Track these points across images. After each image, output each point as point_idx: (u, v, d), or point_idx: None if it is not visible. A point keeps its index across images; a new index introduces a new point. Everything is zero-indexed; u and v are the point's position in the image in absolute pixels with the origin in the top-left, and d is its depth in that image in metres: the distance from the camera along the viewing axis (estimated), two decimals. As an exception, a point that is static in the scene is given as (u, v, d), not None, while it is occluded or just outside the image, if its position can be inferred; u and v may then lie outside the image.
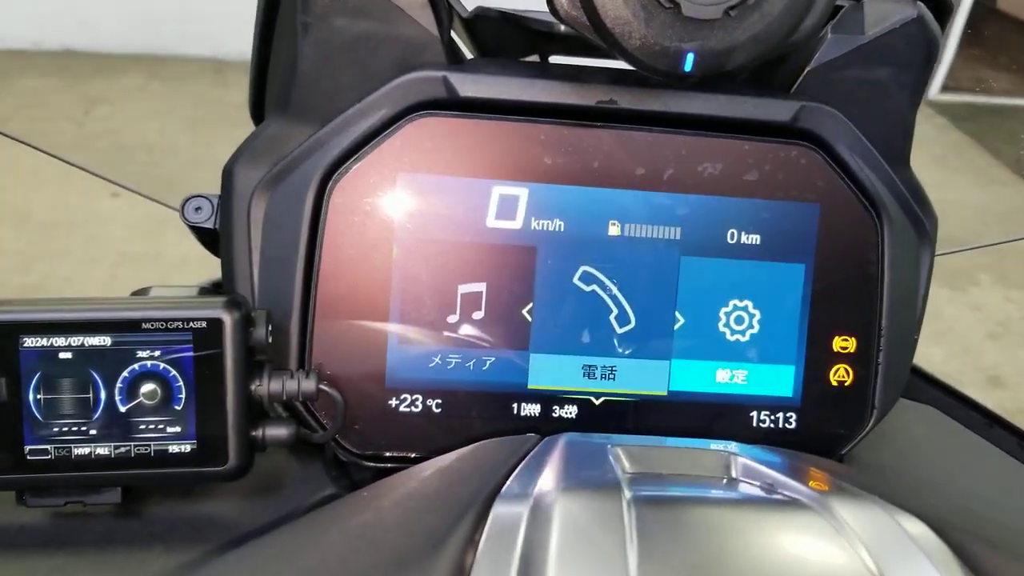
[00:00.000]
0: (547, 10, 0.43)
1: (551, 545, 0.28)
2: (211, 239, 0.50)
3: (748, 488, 0.36)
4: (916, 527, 0.32)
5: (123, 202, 2.49)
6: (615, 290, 0.48)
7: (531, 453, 0.38)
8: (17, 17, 3.64)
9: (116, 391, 0.41)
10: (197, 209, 0.48)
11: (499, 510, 0.31)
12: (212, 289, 0.59)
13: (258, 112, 0.58)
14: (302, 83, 0.46)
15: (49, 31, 3.64)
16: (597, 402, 0.48)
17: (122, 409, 0.41)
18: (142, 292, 0.51)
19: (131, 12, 3.60)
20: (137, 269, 2.23)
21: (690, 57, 0.39)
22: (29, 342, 0.40)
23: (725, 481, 0.37)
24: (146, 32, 3.63)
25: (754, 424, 0.49)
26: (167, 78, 3.49)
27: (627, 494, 0.31)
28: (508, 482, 0.34)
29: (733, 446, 0.39)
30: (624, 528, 0.29)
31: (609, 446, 0.38)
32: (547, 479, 0.34)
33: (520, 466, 0.36)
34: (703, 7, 0.38)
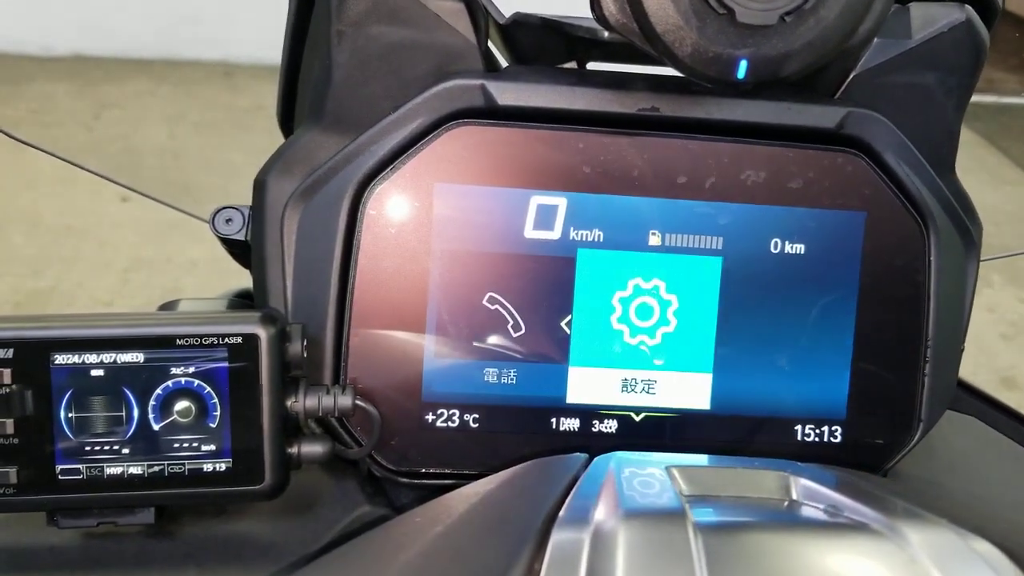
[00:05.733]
0: (586, 15, 0.42)
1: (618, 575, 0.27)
2: (242, 251, 0.49)
3: (811, 511, 0.35)
4: (989, 551, 0.31)
5: (133, 206, 2.48)
6: (655, 302, 0.47)
7: (583, 474, 0.37)
8: (27, 22, 3.64)
9: (149, 408, 0.40)
10: (228, 221, 0.47)
11: (559, 537, 0.30)
12: (241, 301, 0.58)
13: (287, 121, 0.57)
14: (336, 92, 0.45)
15: (59, 36, 3.64)
16: (638, 417, 0.47)
17: (155, 427, 0.40)
18: (170, 306, 0.50)
19: (141, 17, 3.60)
20: (148, 274, 2.22)
21: (743, 64, 0.37)
22: (60, 359, 0.39)
23: (786, 504, 0.36)
24: (156, 36, 3.63)
25: (799, 438, 0.48)
26: (177, 82, 3.48)
27: (691, 520, 0.30)
28: (564, 506, 0.33)
29: (788, 466, 0.38)
30: (693, 557, 0.28)
31: (663, 466, 0.36)
32: (605, 503, 0.32)
33: (574, 489, 0.35)
34: (758, 13, 0.36)
